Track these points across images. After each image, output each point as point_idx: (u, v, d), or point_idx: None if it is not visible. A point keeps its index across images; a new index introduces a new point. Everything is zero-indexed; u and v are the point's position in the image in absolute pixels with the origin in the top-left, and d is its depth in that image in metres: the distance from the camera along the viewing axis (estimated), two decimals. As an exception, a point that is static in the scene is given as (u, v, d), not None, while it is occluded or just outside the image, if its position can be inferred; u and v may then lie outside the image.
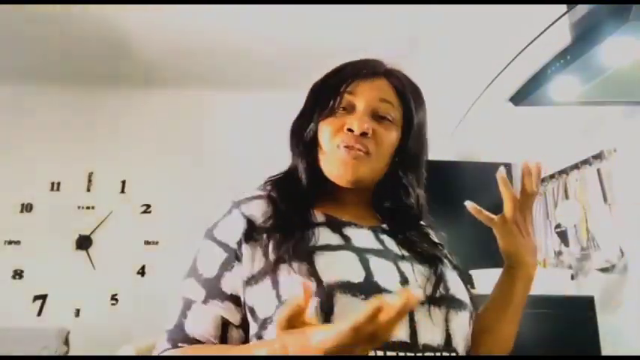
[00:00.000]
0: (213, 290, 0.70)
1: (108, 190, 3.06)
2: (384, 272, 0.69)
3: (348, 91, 0.79)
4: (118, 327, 2.61)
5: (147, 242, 3.00)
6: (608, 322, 1.74)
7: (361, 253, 0.70)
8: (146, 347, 1.60)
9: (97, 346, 2.51)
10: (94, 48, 2.70)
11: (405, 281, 0.70)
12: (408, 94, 0.82)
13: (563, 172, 2.07)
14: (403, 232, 0.80)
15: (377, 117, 0.78)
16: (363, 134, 0.75)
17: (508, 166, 2.31)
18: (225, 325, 0.70)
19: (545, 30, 1.32)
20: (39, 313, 2.82)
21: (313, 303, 0.61)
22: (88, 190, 3.06)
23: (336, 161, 0.77)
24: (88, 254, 2.95)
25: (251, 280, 0.69)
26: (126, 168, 3.11)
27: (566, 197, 2.04)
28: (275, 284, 0.67)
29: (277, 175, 0.84)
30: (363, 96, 0.79)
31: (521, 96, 1.63)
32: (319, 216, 0.77)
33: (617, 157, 1.82)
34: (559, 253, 2.08)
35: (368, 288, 0.65)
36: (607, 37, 1.20)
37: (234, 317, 0.70)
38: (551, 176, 2.13)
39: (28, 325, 2.64)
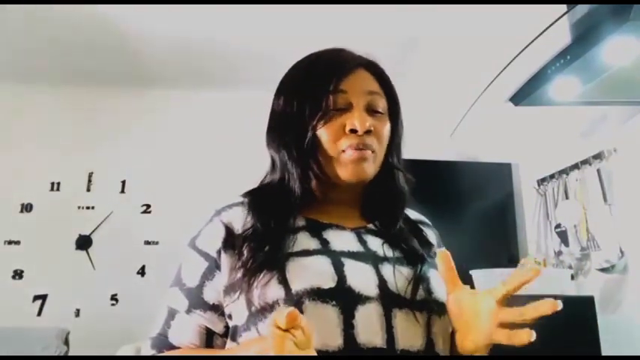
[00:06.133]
0: (196, 300, 0.70)
1: (108, 190, 3.06)
2: (359, 276, 0.67)
3: (341, 89, 0.74)
4: (118, 327, 2.61)
5: (147, 242, 3.00)
6: (608, 322, 1.74)
7: (337, 257, 0.69)
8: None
9: (97, 346, 2.51)
10: (95, 48, 2.70)
11: (383, 284, 0.68)
12: (390, 82, 0.81)
13: (563, 172, 2.06)
14: (392, 228, 0.77)
15: (371, 111, 0.76)
16: (367, 132, 0.73)
17: (508, 167, 2.31)
18: (209, 334, 0.70)
19: (545, 30, 1.32)
20: (39, 313, 2.82)
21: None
22: (88, 190, 3.05)
23: (345, 165, 0.73)
24: (88, 254, 2.95)
25: (229, 289, 0.69)
26: (126, 168, 3.10)
27: (566, 197, 2.04)
28: (247, 293, 0.66)
29: (259, 185, 0.82)
30: (355, 92, 0.75)
31: (521, 96, 1.63)
32: (299, 220, 0.75)
33: (617, 157, 1.82)
34: (559, 253, 2.07)
35: (340, 293, 0.64)
36: (607, 37, 1.20)
37: (218, 327, 0.70)
38: (551, 176, 2.13)
39: (28, 325, 2.63)
